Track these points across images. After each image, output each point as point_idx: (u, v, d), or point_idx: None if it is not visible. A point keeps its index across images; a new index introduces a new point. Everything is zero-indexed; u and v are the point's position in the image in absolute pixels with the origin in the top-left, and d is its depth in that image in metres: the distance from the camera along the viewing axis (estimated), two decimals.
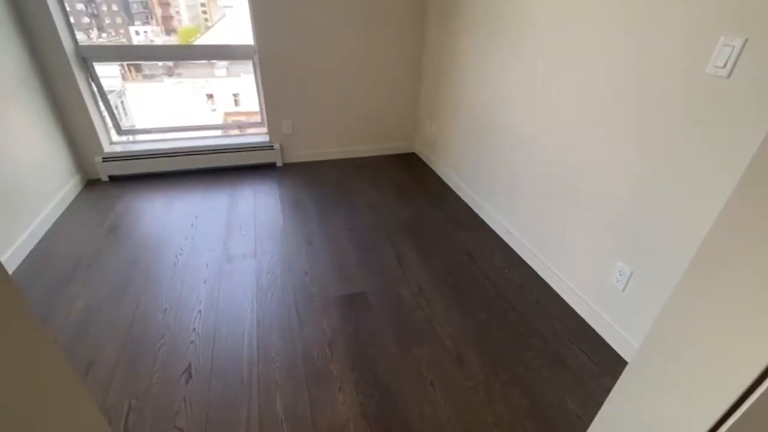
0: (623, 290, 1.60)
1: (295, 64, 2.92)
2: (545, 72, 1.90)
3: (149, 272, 2.01)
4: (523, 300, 1.93)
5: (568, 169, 1.83)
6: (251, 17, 2.70)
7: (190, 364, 1.53)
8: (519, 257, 2.24)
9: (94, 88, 2.71)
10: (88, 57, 2.59)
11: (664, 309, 0.94)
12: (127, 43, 2.85)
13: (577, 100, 1.73)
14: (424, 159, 3.47)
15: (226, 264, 2.09)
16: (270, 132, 3.14)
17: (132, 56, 2.86)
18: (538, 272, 2.11)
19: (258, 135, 3.23)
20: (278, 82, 2.96)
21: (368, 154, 3.51)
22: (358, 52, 3.03)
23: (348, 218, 2.55)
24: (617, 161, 1.56)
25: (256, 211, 2.60)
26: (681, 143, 1.30)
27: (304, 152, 3.30)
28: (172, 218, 2.49)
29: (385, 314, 1.81)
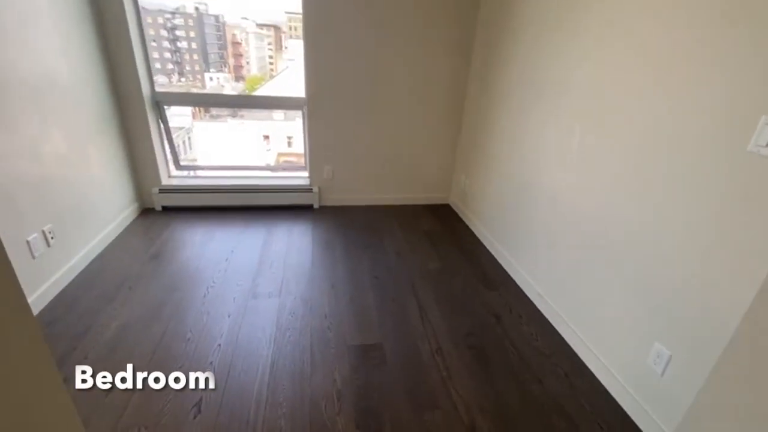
0: (662, 374, 1.45)
1: (340, 115, 3.13)
2: (582, 138, 1.89)
3: (181, 300, 2.11)
4: (550, 372, 1.80)
5: (604, 238, 1.75)
6: (305, 73, 2.97)
7: (201, 399, 1.55)
8: (549, 323, 2.11)
9: (162, 128, 3.04)
10: (161, 101, 2.94)
11: (695, 402, 0.85)
12: (196, 91, 3.23)
13: (614, 168, 1.69)
14: (457, 211, 3.47)
15: (251, 300, 2.15)
16: (311, 176, 3.32)
17: (198, 102, 3.22)
18: (569, 342, 1.97)
19: (299, 178, 3.42)
20: (323, 132, 3.17)
21: (403, 203, 3.58)
22: (400, 106, 3.19)
23: (375, 265, 2.57)
24: (657, 234, 1.48)
25: (288, 250, 2.69)
26: (724, 220, 1.22)
27: (340, 196, 3.43)
28: (210, 250, 2.63)
29: (399, 370, 1.75)
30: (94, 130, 2.50)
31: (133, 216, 2.96)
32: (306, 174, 3.37)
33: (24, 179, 1.89)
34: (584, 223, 1.88)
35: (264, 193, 3.22)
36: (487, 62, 2.88)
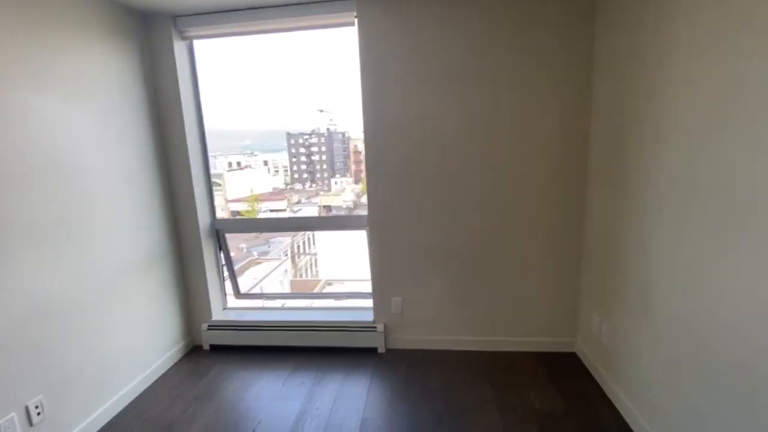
0: None
1: (411, 231, 2.46)
2: None
3: None
4: None
5: None
6: (367, 184, 2.48)
7: None
8: None
9: (222, 257, 2.81)
10: (220, 229, 2.75)
11: None
12: (256, 217, 3.14)
13: None
14: (590, 369, 2.25)
15: None
16: (375, 309, 2.61)
17: (259, 228, 2.98)
18: None
19: (363, 311, 2.74)
20: (390, 256, 2.52)
21: (502, 348, 2.53)
22: (492, 213, 2.39)
23: None
24: None
25: (328, 424, 1.91)
26: None
27: (412, 338, 2.59)
28: (237, 415, 2.03)
29: None
30: (153, 264, 2.39)
31: (178, 356, 2.62)
32: (370, 304, 2.67)
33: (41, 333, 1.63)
34: None
35: (319, 331, 2.61)
36: (613, 141, 1.95)
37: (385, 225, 2.49)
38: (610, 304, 2.02)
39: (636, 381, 1.79)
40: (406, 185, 2.41)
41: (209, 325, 2.70)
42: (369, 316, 2.65)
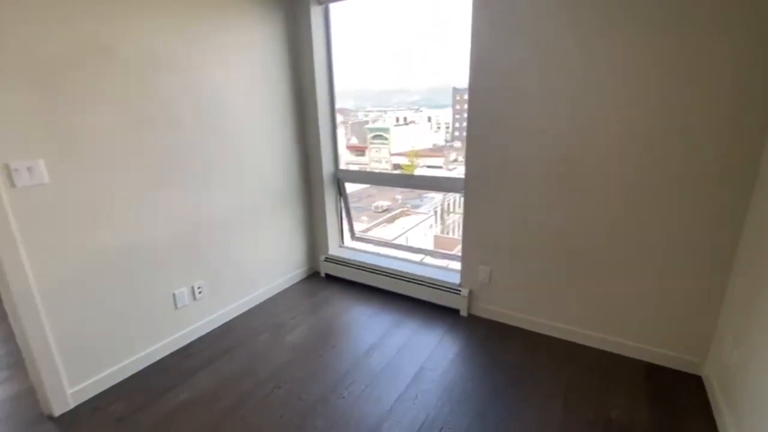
0: None
1: (513, 206, 2.30)
2: None
3: (237, 401, 2.00)
4: None
5: None
6: (466, 145, 2.40)
7: None
8: None
9: (342, 203, 3.24)
10: (341, 178, 3.14)
11: None
12: (369, 171, 3.39)
13: None
14: (711, 399, 1.76)
15: None
16: (462, 274, 2.60)
17: (371, 180, 3.30)
18: None
19: (451, 272, 2.76)
20: (483, 223, 2.44)
21: (602, 347, 2.20)
22: (622, 204, 2.00)
23: None
24: None
25: (389, 363, 2.13)
26: None
27: (497, 309, 2.50)
28: (325, 332, 2.46)
29: None
30: (288, 199, 2.99)
31: (300, 277, 3.24)
32: (459, 267, 2.66)
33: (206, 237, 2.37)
34: None
35: (410, 282, 2.79)
36: None
37: (482, 190, 2.39)
38: (749, 329, 1.50)
39: (763, 416, 1.35)
40: (513, 147, 2.21)
41: (326, 258, 3.21)
42: (453, 279, 2.67)
